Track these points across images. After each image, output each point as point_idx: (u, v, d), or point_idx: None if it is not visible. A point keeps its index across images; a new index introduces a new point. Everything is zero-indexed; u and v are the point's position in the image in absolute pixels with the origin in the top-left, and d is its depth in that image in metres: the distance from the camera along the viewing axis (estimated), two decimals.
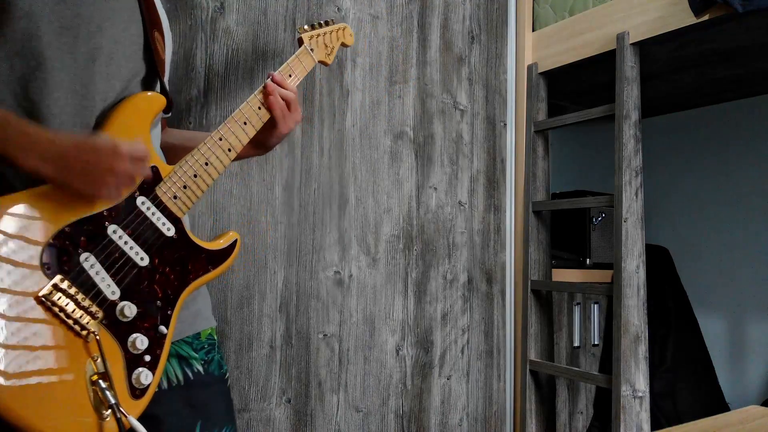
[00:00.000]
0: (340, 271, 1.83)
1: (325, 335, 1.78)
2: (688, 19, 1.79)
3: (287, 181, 1.73)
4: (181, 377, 0.99)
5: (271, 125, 1.08)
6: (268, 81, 1.06)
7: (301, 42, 1.17)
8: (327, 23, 1.24)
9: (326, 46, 1.23)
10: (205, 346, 1.04)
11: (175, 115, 1.53)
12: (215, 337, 1.07)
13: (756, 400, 2.63)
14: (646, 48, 1.99)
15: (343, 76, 1.87)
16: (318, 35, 1.20)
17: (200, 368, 1.01)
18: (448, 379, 2.09)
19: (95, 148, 0.83)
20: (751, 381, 2.68)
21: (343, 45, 1.29)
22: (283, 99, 1.07)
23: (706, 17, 1.75)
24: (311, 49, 1.17)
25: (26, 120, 0.83)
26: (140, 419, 0.88)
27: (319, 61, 1.21)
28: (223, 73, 1.62)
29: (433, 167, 2.09)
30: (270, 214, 1.69)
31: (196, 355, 1.02)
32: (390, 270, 1.95)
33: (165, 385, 0.97)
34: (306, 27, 1.19)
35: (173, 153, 1.07)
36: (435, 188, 2.09)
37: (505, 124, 2.33)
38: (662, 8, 1.87)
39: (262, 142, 1.12)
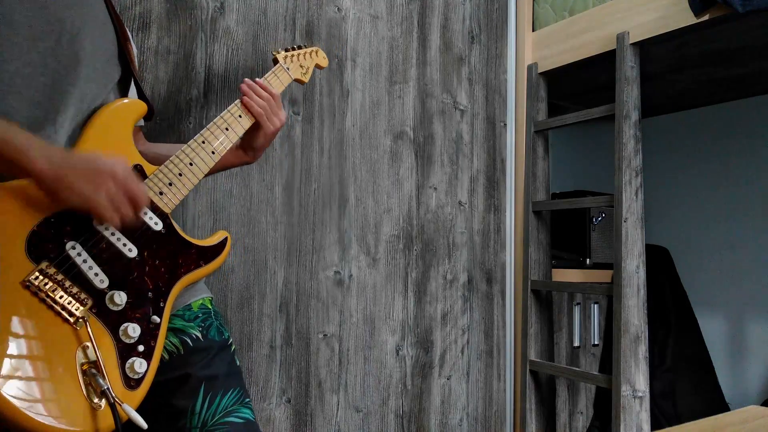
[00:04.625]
0: (340, 271, 1.83)
1: (325, 335, 1.78)
2: (688, 19, 1.79)
3: (287, 181, 1.73)
4: (180, 346, 0.98)
5: (255, 128, 1.13)
6: (242, 84, 1.12)
7: (276, 61, 1.24)
8: (300, 47, 1.33)
9: (301, 66, 1.31)
10: (199, 315, 1.03)
11: (175, 115, 1.53)
12: (209, 306, 1.06)
13: (756, 400, 2.63)
14: (646, 48, 1.99)
15: (343, 76, 1.87)
16: (292, 56, 1.29)
17: (198, 334, 1.01)
18: (448, 379, 2.09)
19: (98, 157, 0.84)
20: (751, 381, 2.68)
21: (318, 67, 1.39)
22: (261, 98, 1.12)
23: (706, 17, 1.75)
24: (287, 68, 1.25)
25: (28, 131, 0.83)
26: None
27: (295, 79, 1.29)
28: (223, 73, 1.62)
29: (433, 167, 2.09)
30: (270, 214, 1.69)
31: (191, 324, 1.01)
32: (390, 270, 1.95)
33: (166, 356, 0.97)
34: (280, 50, 1.28)
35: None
36: (435, 188, 2.09)
37: (505, 124, 2.33)
38: (662, 8, 1.87)
39: (250, 144, 1.16)
